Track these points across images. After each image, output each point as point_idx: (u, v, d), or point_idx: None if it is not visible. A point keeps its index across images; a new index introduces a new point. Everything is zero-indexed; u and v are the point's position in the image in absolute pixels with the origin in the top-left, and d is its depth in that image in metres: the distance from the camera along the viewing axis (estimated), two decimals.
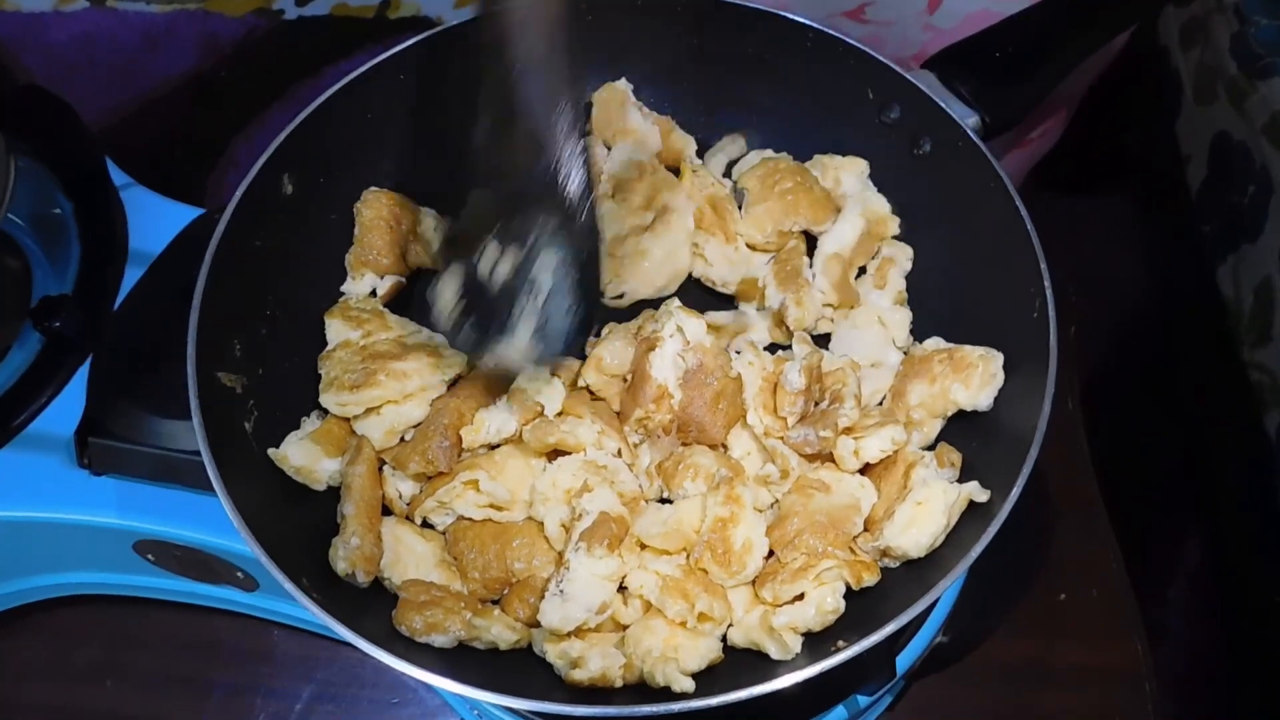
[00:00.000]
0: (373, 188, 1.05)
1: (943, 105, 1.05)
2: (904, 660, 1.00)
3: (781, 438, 0.96)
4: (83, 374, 1.14)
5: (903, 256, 1.09)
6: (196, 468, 1.03)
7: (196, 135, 2.57)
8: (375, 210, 1.03)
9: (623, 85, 1.14)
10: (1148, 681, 1.18)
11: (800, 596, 0.89)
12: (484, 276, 0.90)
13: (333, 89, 1.04)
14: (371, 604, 0.89)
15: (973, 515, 0.87)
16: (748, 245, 1.10)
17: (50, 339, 1.15)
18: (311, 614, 0.82)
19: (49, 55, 2.66)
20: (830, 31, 1.09)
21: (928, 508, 0.89)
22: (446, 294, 0.92)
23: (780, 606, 0.89)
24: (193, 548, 1.10)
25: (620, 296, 1.07)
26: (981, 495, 0.89)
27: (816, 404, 0.96)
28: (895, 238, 1.11)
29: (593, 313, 0.93)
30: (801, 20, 1.10)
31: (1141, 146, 1.99)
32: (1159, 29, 1.92)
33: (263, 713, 1.22)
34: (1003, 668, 1.16)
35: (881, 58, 1.08)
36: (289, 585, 0.82)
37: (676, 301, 1.01)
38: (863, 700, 0.98)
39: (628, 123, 1.13)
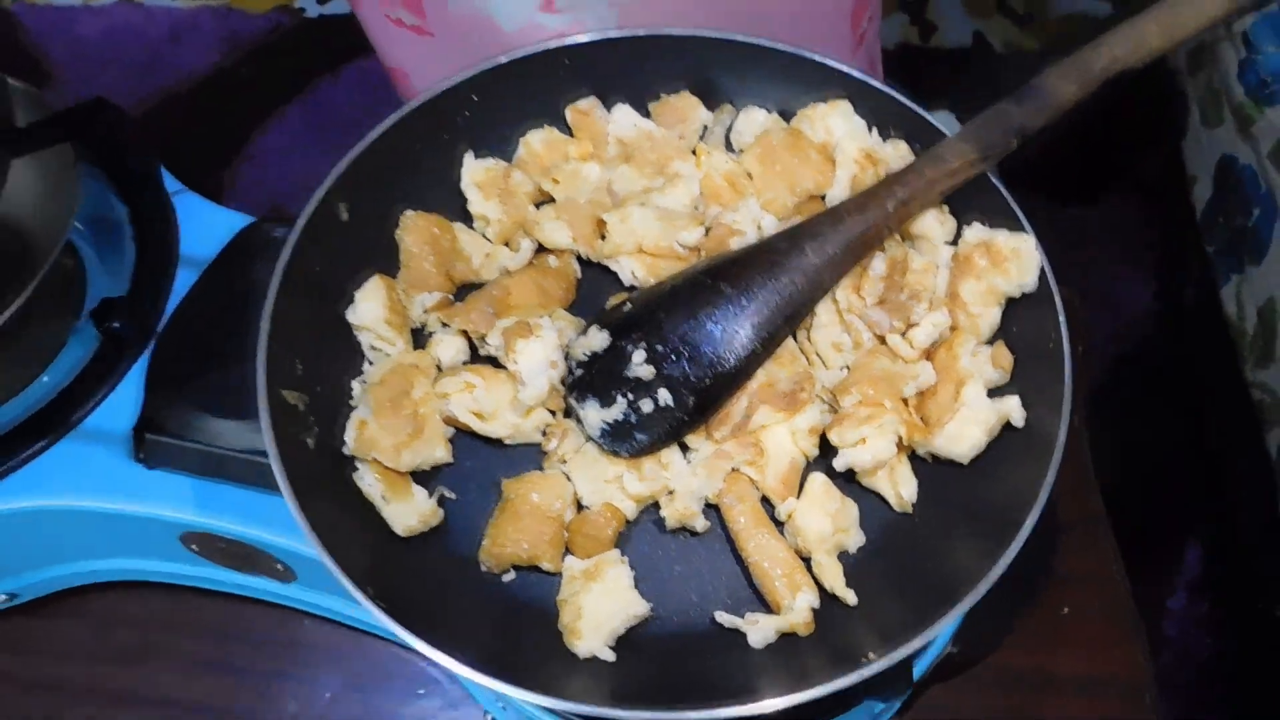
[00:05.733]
0: (408, 211, 1.10)
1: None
2: (917, 669, 1.06)
3: (860, 315, 1.04)
4: (136, 371, 1.19)
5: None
6: (245, 465, 1.11)
7: (218, 128, 2.63)
8: (416, 233, 1.08)
9: (587, 103, 1.18)
10: (1148, 692, 1.21)
11: (862, 441, 0.98)
12: (617, 356, 1.02)
13: (390, 120, 1.09)
14: (433, 607, 0.93)
15: (992, 535, 0.92)
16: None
17: (108, 338, 1.20)
18: (378, 621, 0.87)
19: (77, 48, 2.72)
20: (840, 66, 1.14)
21: (971, 427, 0.99)
22: (579, 347, 1.03)
23: (844, 449, 0.99)
24: (238, 540, 1.15)
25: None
26: (1019, 417, 0.99)
27: (900, 293, 1.04)
28: None
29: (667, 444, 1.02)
30: (809, 55, 1.15)
31: (1148, 164, 2.02)
32: None
33: (293, 699, 1.26)
34: (1008, 676, 1.21)
35: (899, 95, 1.13)
36: (359, 595, 0.87)
37: (754, 199, 1.11)
38: (877, 706, 1.04)
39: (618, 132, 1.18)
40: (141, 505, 1.14)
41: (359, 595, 0.87)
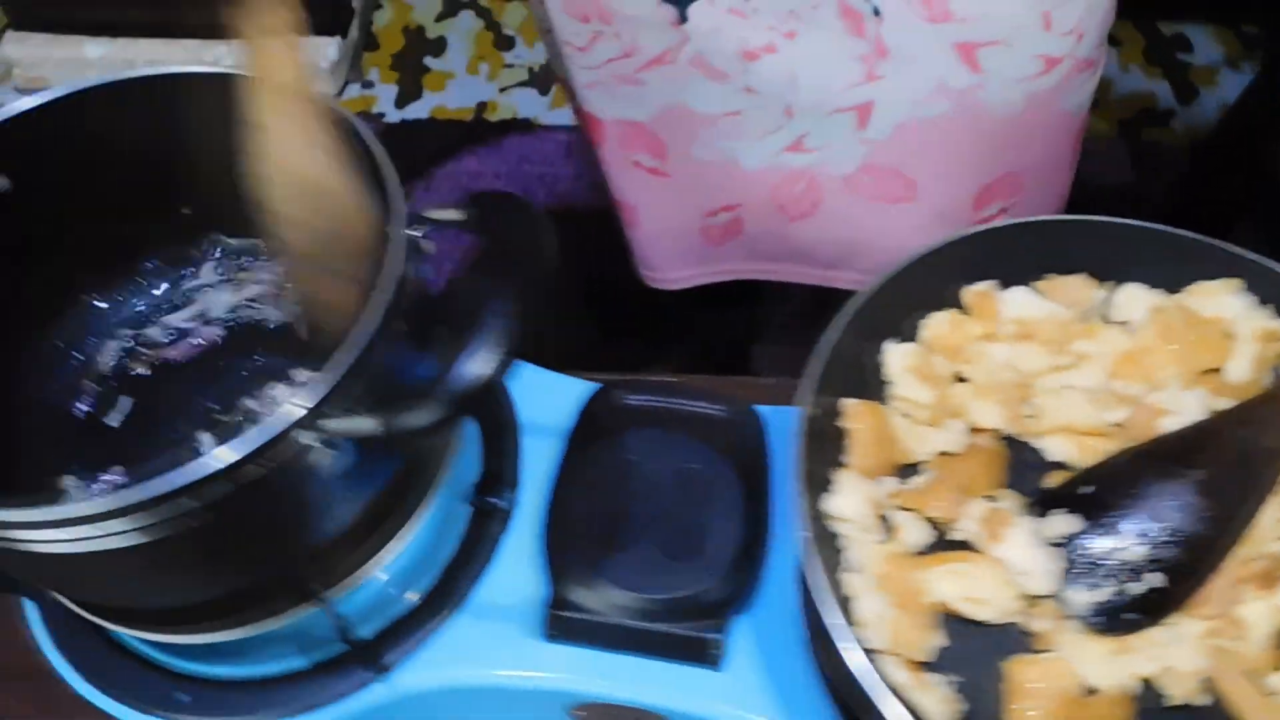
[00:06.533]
0: (851, 400, 1.15)
1: None
2: None
3: None
4: (507, 543, 1.25)
5: None
6: (645, 635, 1.15)
7: None
8: (862, 421, 1.13)
9: (985, 285, 1.23)
10: None
11: None
12: (1095, 539, 1.07)
13: (840, 325, 1.14)
14: None
15: None
16: None
17: (482, 512, 1.25)
18: None
19: None
20: (1226, 246, 1.19)
21: None
22: (1052, 529, 1.08)
23: None
24: (630, 706, 1.18)
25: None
26: None
27: None
28: None
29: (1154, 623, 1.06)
30: (1200, 239, 1.19)
31: None
32: None
33: None
34: None
35: None
36: None
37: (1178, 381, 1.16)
38: None
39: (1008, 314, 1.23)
40: (541, 679, 1.18)
41: None
